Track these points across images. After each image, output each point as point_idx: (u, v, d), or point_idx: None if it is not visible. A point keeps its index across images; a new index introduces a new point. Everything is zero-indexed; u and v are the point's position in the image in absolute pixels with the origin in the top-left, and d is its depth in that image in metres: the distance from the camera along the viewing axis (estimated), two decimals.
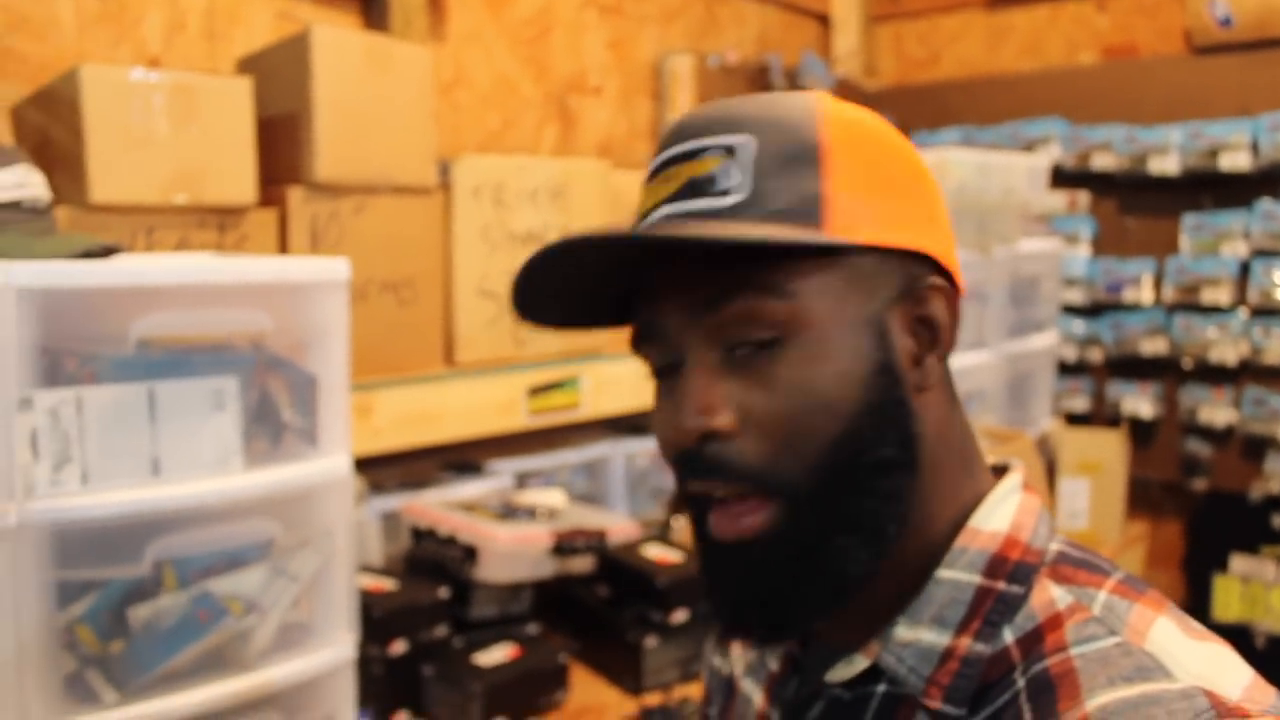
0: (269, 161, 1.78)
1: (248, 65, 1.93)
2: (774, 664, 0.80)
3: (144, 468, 1.22)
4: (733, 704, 0.86)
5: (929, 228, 0.69)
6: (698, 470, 0.65)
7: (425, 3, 2.54)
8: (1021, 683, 0.62)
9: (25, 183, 1.28)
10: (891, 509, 0.65)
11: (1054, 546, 0.68)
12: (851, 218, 0.65)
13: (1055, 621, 0.63)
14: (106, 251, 1.28)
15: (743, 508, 0.65)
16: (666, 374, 0.69)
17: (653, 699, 1.87)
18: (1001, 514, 0.68)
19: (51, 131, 1.61)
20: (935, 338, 0.68)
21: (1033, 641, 0.63)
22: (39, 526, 1.15)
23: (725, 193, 0.65)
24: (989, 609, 0.65)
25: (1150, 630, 0.61)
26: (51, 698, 1.19)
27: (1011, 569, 0.66)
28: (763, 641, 0.73)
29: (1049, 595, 0.65)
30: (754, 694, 0.83)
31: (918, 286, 0.67)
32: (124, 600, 1.27)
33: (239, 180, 1.69)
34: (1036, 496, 0.71)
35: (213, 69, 2.20)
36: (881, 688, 0.69)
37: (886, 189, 0.67)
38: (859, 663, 0.69)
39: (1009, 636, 0.64)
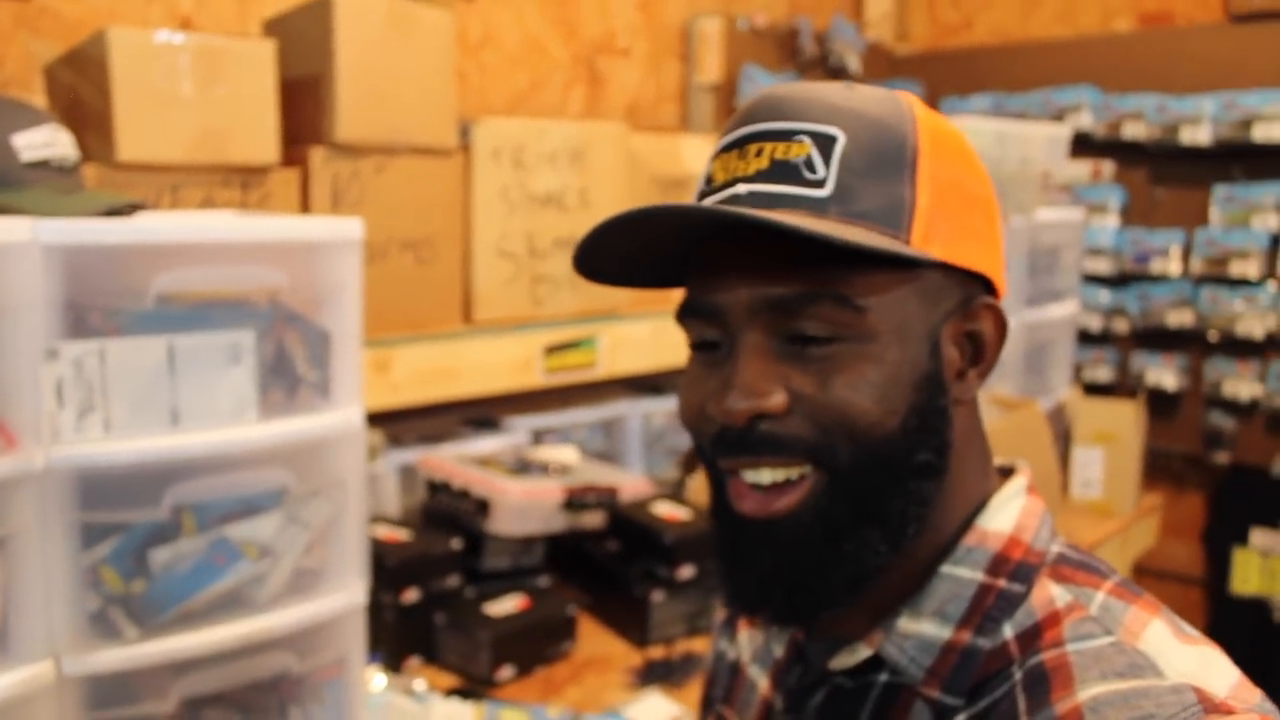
0: (292, 122, 1.83)
1: (273, 27, 1.97)
2: (779, 651, 0.82)
3: (164, 417, 1.28)
4: (738, 689, 0.88)
5: (990, 247, 0.70)
6: (744, 448, 0.66)
7: None
8: (1019, 675, 0.64)
9: (53, 142, 1.33)
10: (916, 510, 0.67)
11: (1055, 548, 0.71)
12: (932, 230, 0.66)
13: (1053, 619, 0.65)
14: (131, 209, 1.33)
15: (778, 490, 0.66)
16: (708, 348, 0.70)
17: (657, 652, 1.93)
18: (1006, 515, 0.71)
19: (81, 91, 1.66)
20: (979, 354, 0.70)
21: (1031, 637, 0.65)
22: (64, 471, 1.21)
23: (814, 184, 0.65)
24: (990, 605, 0.67)
25: (1144, 631, 0.63)
26: (78, 632, 1.25)
27: (1013, 568, 0.68)
28: (777, 622, 0.74)
29: (1049, 594, 0.67)
30: (759, 679, 0.85)
31: (971, 303, 0.69)
32: (145, 543, 1.33)
33: (262, 140, 1.73)
34: (1040, 499, 0.74)
35: (242, 29, 2.24)
36: (883, 677, 0.71)
37: (963, 204, 0.68)
38: (861, 651, 0.71)
39: (1009, 632, 0.67)
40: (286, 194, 1.79)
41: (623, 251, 0.70)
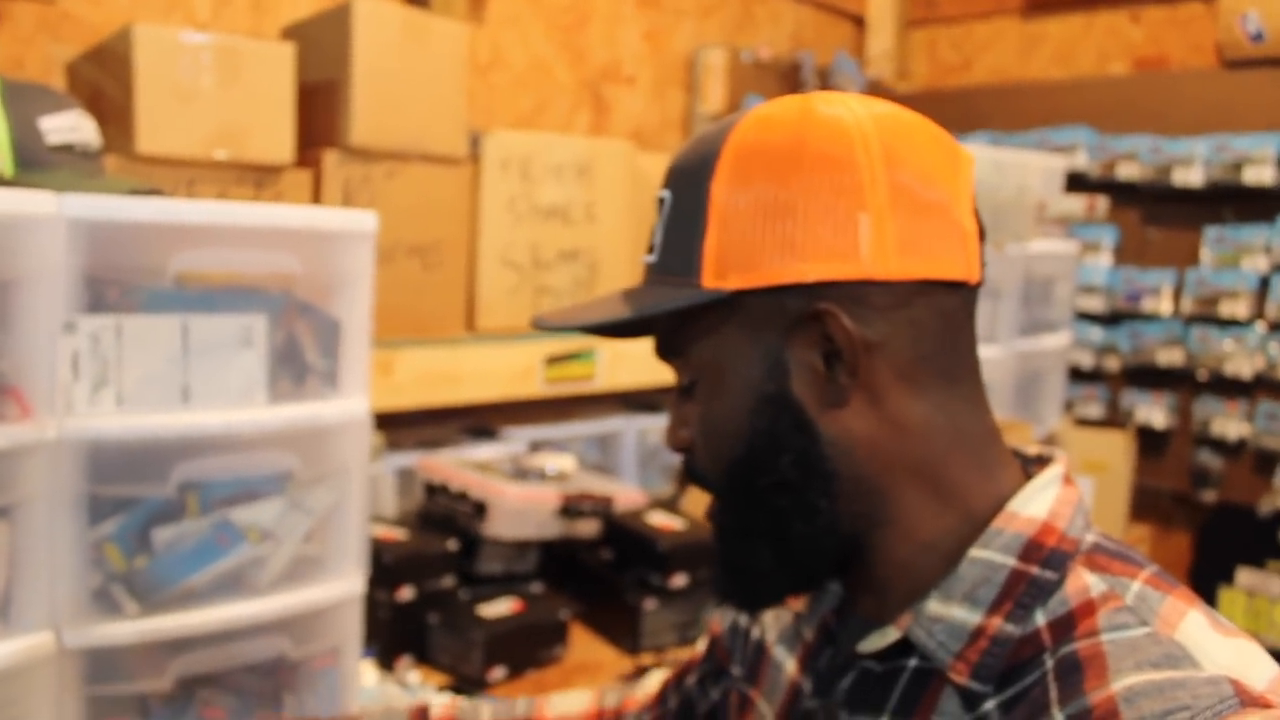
0: (307, 125, 1.87)
1: (291, 33, 2.02)
2: (809, 634, 0.82)
3: (175, 395, 1.30)
4: (763, 669, 0.88)
5: (834, 246, 0.66)
6: (686, 476, 0.79)
7: None
8: (1050, 664, 0.63)
9: (78, 126, 1.37)
10: (799, 523, 0.70)
11: (1090, 537, 0.70)
12: (725, 262, 0.68)
13: (1088, 608, 0.64)
14: (151, 194, 1.36)
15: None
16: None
17: (648, 660, 1.94)
18: (1040, 501, 0.69)
19: (103, 86, 1.70)
20: (839, 354, 0.68)
21: (1065, 626, 0.64)
22: (75, 443, 1.23)
23: (653, 249, 0.74)
24: (1021, 592, 0.66)
25: (1181, 622, 0.62)
26: (79, 605, 1.27)
27: (1047, 555, 0.67)
28: (740, 610, 0.85)
29: (1083, 582, 0.66)
30: (786, 661, 0.85)
31: (808, 312, 0.68)
32: (149, 521, 1.35)
33: (278, 140, 1.77)
34: (1076, 488, 0.72)
35: (257, 37, 2.29)
36: (913, 662, 0.70)
37: (781, 218, 0.67)
38: (890, 634, 0.71)
39: (1041, 619, 0.65)
40: (299, 194, 1.83)
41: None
